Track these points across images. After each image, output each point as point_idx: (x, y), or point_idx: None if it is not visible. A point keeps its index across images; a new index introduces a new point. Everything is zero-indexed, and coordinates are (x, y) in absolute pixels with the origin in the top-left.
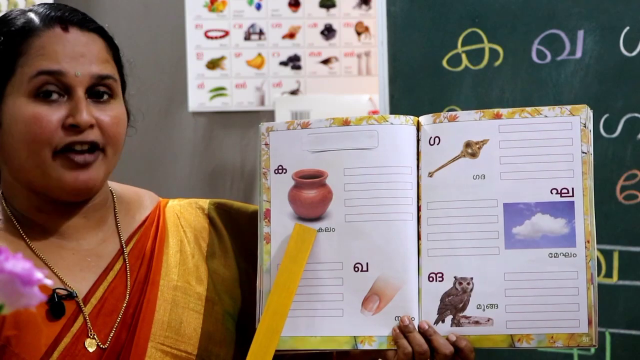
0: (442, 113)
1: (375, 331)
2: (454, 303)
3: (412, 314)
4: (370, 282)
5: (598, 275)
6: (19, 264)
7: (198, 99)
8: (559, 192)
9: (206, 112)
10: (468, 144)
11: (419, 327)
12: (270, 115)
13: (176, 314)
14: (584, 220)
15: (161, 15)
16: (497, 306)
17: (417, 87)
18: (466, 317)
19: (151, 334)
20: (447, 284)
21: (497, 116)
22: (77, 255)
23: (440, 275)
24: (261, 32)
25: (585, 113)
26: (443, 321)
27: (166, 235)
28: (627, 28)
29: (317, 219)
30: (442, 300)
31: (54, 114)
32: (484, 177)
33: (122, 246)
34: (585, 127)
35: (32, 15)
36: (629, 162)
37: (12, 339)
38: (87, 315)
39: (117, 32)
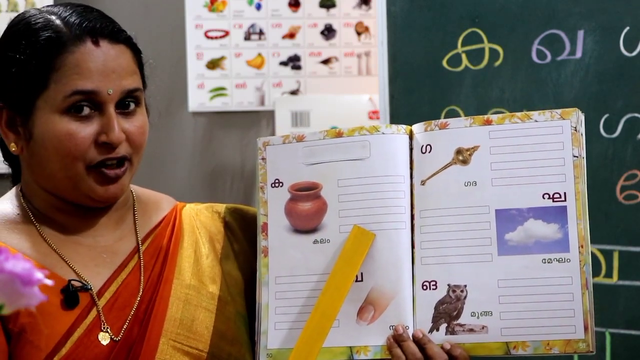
0: (433, 121)
1: (371, 341)
2: (448, 311)
3: (406, 323)
4: (365, 292)
5: (598, 275)
6: (19, 264)
7: (198, 99)
8: (551, 197)
9: (206, 112)
10: (459, 151)
11: (413, 335)
12: (270, 115)
13: (188, 311)
14: (577, 225)
15: (161, 15)
16: (491, 313)
17: (417, 87)
18: (460, 325)
19: (163, 330)
20: (440, 292)
21: (487, 122)
22: (93, 252)
23: (433, 283)
24: (261, 32)
25: (576, 116)
26: (437, 329)
27: (182, 236)
28: (627, 28)
29: (313, 230)
30: (436, 308)
31: (86, 130)
32: (476, 183)
33: (138, 244)
34: (576, 130)
35: (60, 24)
36: (629, 162)
37: (27, 327)
38: (101, 308)
39: None
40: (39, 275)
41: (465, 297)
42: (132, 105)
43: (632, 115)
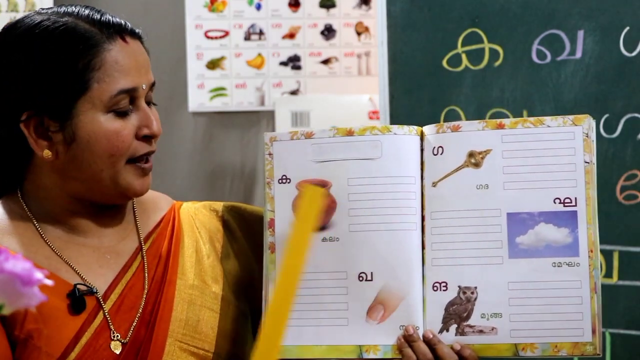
0: (445, 123)
1: (380, 340)
2: (458, 312)
3: (416, 323)
4: (374, 292)
5: None
6: (19, 264)
7: (198, 99)
8: (562, 201)
9: (206, 112)
10: (471, 154)
11: (423, 336)
12: (270, 116)
13: (193, 312)
14: (587, 230)
15: (161, 15)
16: (501, 315)
17: (417, 87)
18: (470, 326)
19: (169, 331)
20: (451, 294)
21: (500, 126)
22: (96, 253)
23: (444, 284)
24: (261, 32)
25: (587, 123)
26: (447, 330)
27: (182, 236)
28: (627, 28)
29: (321, 228)
30: (446, 309)
31: (129, 126)
32: (487, 186)
33: (140, 244)
34: (587, 136)
35: (86, 26)
36: (629, 162)
37: (34, 332)
38: (107, 311)
39: None
40: (39, 275)
41: (475, 299)
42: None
43: (632, 115)
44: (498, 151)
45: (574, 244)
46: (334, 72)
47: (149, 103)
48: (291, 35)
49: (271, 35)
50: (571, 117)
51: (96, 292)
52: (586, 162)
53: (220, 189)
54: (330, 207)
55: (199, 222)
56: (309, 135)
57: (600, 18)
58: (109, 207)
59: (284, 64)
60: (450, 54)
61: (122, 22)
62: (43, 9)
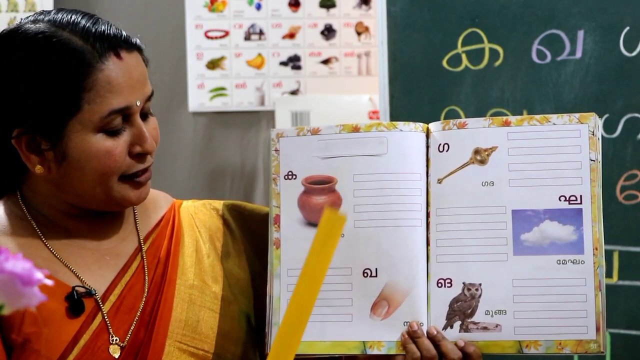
0: (451, 120)
1: (384, 336)
2: (462, 309)
3: (420, 320)
4: (379, 288)
5: None
6: (19, 264)
7: (198, 99)
8: (567, 199)
9: (206, 112)
10: (477, 151)
11: (427, 332)
12: (270, 116)
13: (193, 312)
14: (592, 228)
15: (161, 15)
16: (505, 312)
17: (417, 87)
18: (474, 323)
19: (169, 331)
20: (455, 290)
21: (506, 123)
22: (96, 254)
23: (448, 281)
24: (261, 32)
25: (593, 121)
26: (451, 327)
27: (182, 235)
28: (627, 28)
29: None
30: (450, 306)
31: (120, 144)
32: (493, 184)
33: (140, 245)
34: (593, 134)
35: (80, 42)
36: (629, 162)
37: (32, 336)
38: (106, 313)
39: None
40: (39, 275)
41: (479, 296)
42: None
43: (632, 115)
44: (504, 148)
45: (579, 242)
46: (334, 72)
47: (145, 114)
48: (291, 35)
49: (271, 35)
50: (577, 115)
51: (95, 294)
52: (592, 160)
53: (220, 189)
54: (335, 203)
55: (199, 220)
56: (315, 132)
57: (600, 18)
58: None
59: (284, 64)
60: (450, 54)
61: (118, 33)
62: (42, 13)
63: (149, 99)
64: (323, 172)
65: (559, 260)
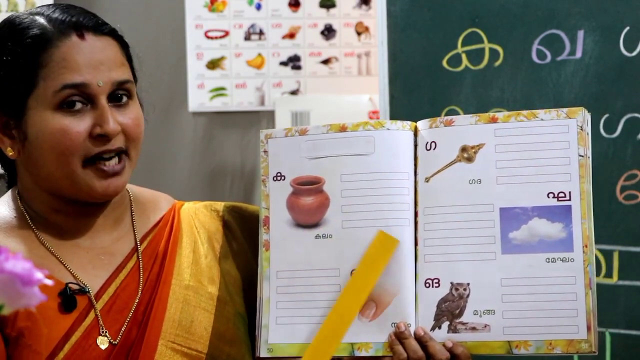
0: (438, 118)
1: (372, 338)
2: (450, 309)
3: (408, 320)
4: None
5: (598, 275)
6: (19, 264)
7: (198, 99)
8: (556, 196)
9: (206, 112)
10: (464, 149)
11: (415, 333)
12: (270, 116)
13: (187, 312)
14: (582, 225)
15: (161, 15)
16: (494, 312)
17: (417, 87)
18: (463, 324)
19: (162, 332)
20: (443, 290)
21: (493, 120)
22: (90, 253)
23: (436, 281)
24: (261, 32)
25: (582, 116)
26: (440, 327)
27: (180, 236)
28: (627, 28)
29: (315, 225)
30: (438, 306)
31: (80, 125)
32: (480, 181)
33: (136, 245)
34: (582, 129)
35: (44, 22)
36: (629, 162)
37: (25, 330)
38: (99, 311)
39: None
40: (39, 275)
41: (468, 296)
42: (125, 98)
43: (632, 115)
44: (491, 145)
45: (568, 239)
46: (334, 72)
47: (123, 102)
48: (291, 35)
49: (271, 35)
50: (565, 110)
51: (88, 292)
52: (580, 156)
53: (220, 189)
54: (324, 204)
55: (198, 222)
56: (303, 132)
57: (600, 18)
58: (95, 206)
59: (284, 64)
60: (450, 54)
61: (89, 18)
62: (41, 7)
63: (122, 85)
64: (311, 172)
65: (548, 258)
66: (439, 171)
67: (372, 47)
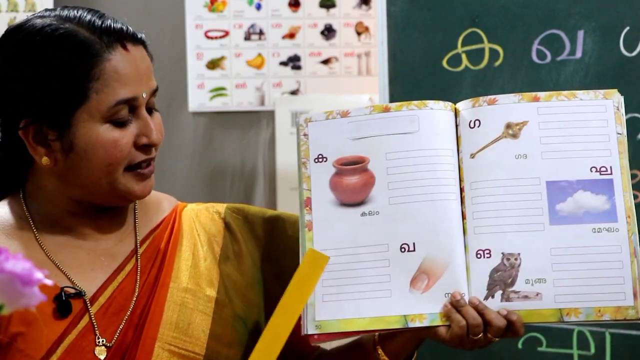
0: (480, 97)
1: (426, 309)
2: (502, 278)
3: (461, 291)
4: (417, 262)
5: None
6: (19, 264)
7: (198, 99)
8: (598, 170)
9: (206, 112)
10: (509, 125)
11: (470, 302)
12: (270, 116)
13: (184, 315)
14: (624, 197)
15: (161, 15)
16: (545, 281)
17: (417, 87)
18: (515, 292)
19: (158, 334)
20: (495, 260)
21: (536, 99)
22: (91, 255)
23: (487, 251)
24: (261, 32)
25: (617, 97)
26: (493, 297)
27: (180, 238)
28: (627, 28)
29: (360, 203)
30: (490, 276)
31: (127, 135)
32: (526, 156)
33: (136, 247)
34: (618, 110)
35: (87, 33)
36: (629, 162)
37: (18, 336)
38: (94, 314)
39: None
40: (38, 275)
41: (519, 265)
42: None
43: (632, 115)
44: (534, 122)
45: (612, 210)
46: (334, 72)
47: (150, 109)
48: (291, 35)
49: (271, 35)
50: (602, 91)
51: (84, 295)
52: (618, 134)
53: (220, 189)
54: (368, 182)
55: (199, 224)
56: (344, 114)
57: (600, 18)
58: (108, 209)
59: (284, 64)
60: (450, 54)
61: (124, 27)
62: (47, 10)
63: (154, 93)
64: (354, 152)
65: (594, 228)
66: (484, 147)
67: (372, 47)
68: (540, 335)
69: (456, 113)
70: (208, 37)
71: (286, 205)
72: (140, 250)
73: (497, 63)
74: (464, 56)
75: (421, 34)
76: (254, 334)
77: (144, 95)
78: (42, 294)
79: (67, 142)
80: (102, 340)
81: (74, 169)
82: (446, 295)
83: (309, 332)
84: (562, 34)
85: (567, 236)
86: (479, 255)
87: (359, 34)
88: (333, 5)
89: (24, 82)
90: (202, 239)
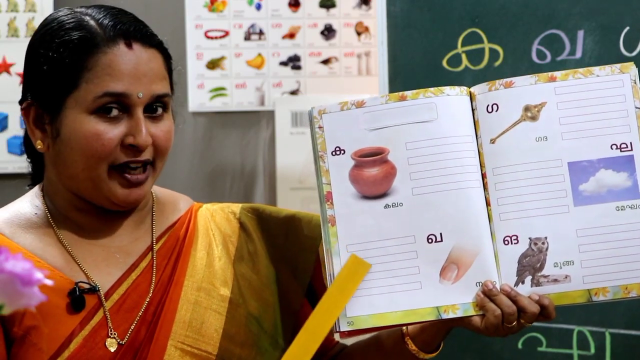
0: (497, 80)
1: (458, 299)
2: (531, 263)
3: (492, 278)
4: (446, 252)
5: None
6: (19, 264)
7: (198, 99)
8: (619, 147)
9: (206, 112)
10: (527, 108)
11: (501, 289)
12: (270, 116)
13: (198, 314)
14: None
15: (161, 15)
16: (573, 262)
17: (417, 87)
18: (545, 276)
19: (171, 332)
20: (522, 246)
21: (552, 79)
22: (106, 252)
23: (515, 237)
24: (261, 32)
25: (633, 70)
26: (523, 282)
27: (195, 238)
28: (627, 28)
29: (382, 195)
30: (519, 262)
31: (113, 131)
32: (546, 138)
33: (152, 244)
34: (635, 83)
35: (94, 25)
36: None
37: (32, 330)
38: (108, 310)
39: None
40: (38, 275)
41: (546, 249)
42: (160, 110)
43: None
44: (553, 103)
45: (634, 187)
46: (334, 72)
47: (158, 115)
48: (291, 35)
49: (271, 35)
50: (618, 65)
51: (98, 290)
52: (637, 108)
53: (220, 189)
54: (390, 173)
55: (214, 224)
56: (360, 105)
57: (600, 18)
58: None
59: (284, 64)
60: (450, 54)
61: (137, 27)
62: (81, 6)
63: (160, 98)
64: (373, 143)
65: (618, 206)
66: (504, 132)
67: (372, 47)
68: (540, 335)
69: (471, 97)
70: (208, 37)
71: (286, 205)
72: (155, 248)
73: (497, 63)
74: (464, 56)
75: (421, 34)
76: (270, 333)
77: (140, 96)
78: (42, 293)
79: (55, 128)
80: (115, 335)
81: (60, 157)
82: (477, 284)
83: (342, 330)
84: (562, 34)
85: (591, 216)
86: (506, 242)
87: (359, 34)
88: (333, 5)
89: (30, 64)
90: (217, 238)
